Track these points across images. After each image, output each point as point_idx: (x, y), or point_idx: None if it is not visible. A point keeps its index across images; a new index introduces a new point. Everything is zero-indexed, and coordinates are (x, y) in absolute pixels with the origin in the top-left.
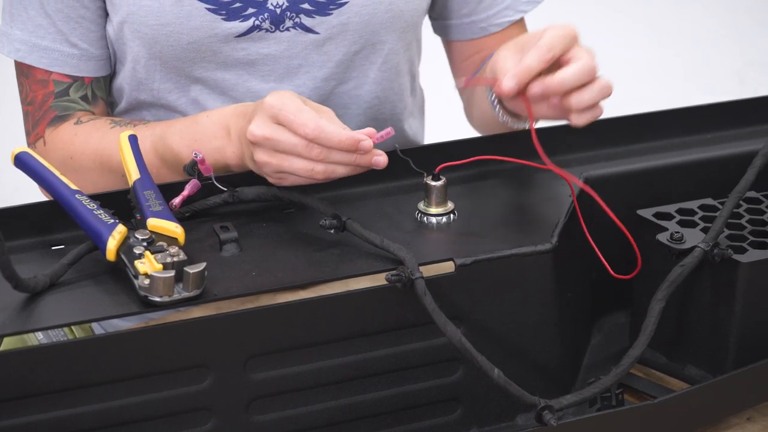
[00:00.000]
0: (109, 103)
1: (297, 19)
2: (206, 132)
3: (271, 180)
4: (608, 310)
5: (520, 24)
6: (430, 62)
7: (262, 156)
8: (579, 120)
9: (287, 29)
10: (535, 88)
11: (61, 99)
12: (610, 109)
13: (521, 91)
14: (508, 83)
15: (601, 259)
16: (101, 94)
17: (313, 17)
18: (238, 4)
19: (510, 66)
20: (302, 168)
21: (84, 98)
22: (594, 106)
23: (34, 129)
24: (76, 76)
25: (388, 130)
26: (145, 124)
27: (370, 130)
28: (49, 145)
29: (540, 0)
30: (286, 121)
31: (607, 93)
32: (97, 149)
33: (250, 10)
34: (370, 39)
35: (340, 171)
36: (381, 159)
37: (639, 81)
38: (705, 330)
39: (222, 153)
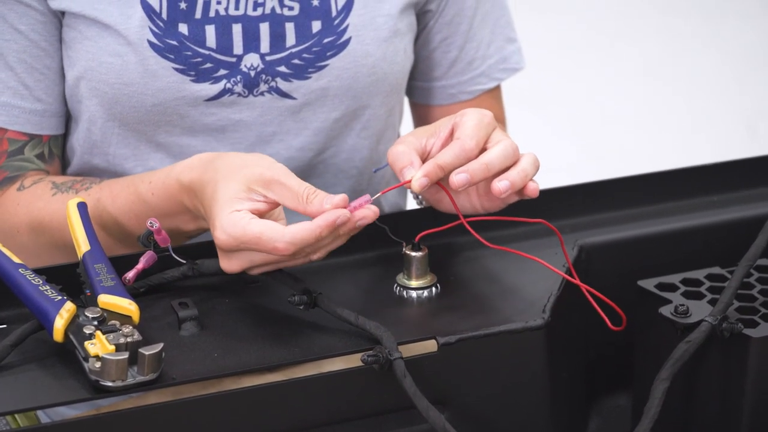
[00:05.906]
0: (63, 162)
1: (273, 83)
2: (156, 211)
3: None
4: (607, 392)
5: (494, 93)
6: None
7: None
8: (509, 199)
9: (261, 94)
10: (459, 177)
11: (14, 158)
12: (609, 169)
13: (439, 184)
14: (419, 183)
15: (598, 310)
16: (57, 151)
17: (291, 81)
18: (208, 65)
19: (406, 161)
20: (296, 263)
21: (40, 156)
22: (523, 184)
23: None
24: (33, 134)
25: (366, 198)
26: (87, 190)
27: (342, 197)
28: None
29: (518, 68)
30: (254, 249)
31: (536, 167)
32: (42, 222)
33: (222, 72)
34: (351, 104)
35: (334, 245)
36: (367, 215)
37: (641, 135)
38: (714, 411)
39: (185, 227)
